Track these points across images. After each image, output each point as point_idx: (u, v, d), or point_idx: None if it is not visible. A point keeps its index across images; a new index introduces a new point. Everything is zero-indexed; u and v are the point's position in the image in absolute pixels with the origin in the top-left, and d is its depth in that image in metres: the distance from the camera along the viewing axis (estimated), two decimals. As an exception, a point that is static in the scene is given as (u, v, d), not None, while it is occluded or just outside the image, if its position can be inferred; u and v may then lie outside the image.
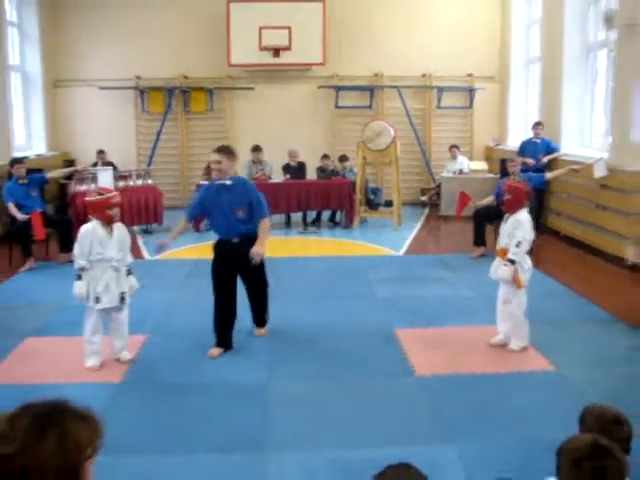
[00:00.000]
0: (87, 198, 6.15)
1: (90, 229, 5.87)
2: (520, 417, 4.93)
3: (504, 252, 6.19)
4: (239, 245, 6.20)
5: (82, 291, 5.83)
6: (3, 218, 11.11)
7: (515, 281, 6.12)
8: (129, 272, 6.05)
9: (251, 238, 6.19)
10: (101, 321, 6.00)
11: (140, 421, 4.91)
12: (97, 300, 5.84)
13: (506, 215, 6.37)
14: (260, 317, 6.81)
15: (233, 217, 6.17)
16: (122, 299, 5.96)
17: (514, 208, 6.25)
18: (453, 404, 5.18)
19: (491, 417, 4.94)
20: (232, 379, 5.68)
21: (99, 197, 5.95)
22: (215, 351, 6.26)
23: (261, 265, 6.43)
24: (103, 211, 5.87)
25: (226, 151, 6.20)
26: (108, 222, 5.89)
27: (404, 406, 5.15)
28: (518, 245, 6.10)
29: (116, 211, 5.89)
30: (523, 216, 6.22)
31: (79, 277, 5.85)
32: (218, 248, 6.37)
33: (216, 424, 4.86)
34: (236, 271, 6.39)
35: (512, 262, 6.09)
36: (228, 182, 6.17)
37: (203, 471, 4.27)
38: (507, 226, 6.25)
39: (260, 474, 4.22)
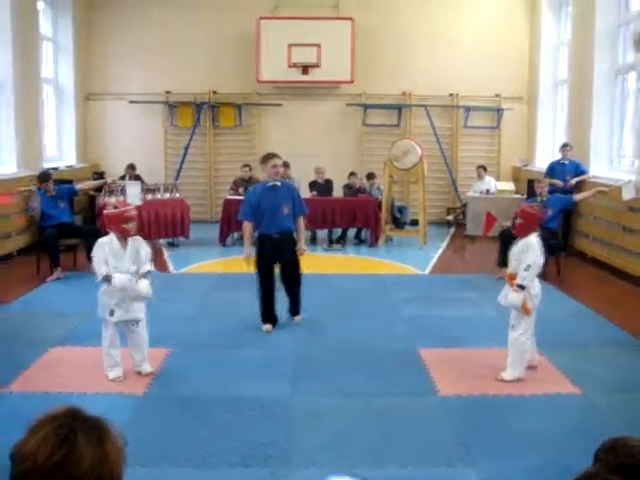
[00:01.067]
0: (105, 211, 6.21)
1: (106, 242, 5.92)
2: (543, 440, 4.88)
3: (512, 277, 6.07)
4: (279, 240, 7.39)
5: (126, 281, 5.80)
6: (32, 228, 11.26)
7: (523, 307, 6.03)
8: (145, 276, 5.97)
9: (289, 234, 7.49)
10: (118, 334, 6.01)
11: (162, 433, 4.93)
12: (111, 313, 5.86)
13: (517, 239, 6.33)
14: (296, 305, 7.78)
15: (280, 214, 7.31)
16: (135, 313, 5.97)
17: (525, 232, 6.16)
18: (476, 425, 5.15)
19: (513, 440, 4.90)
20: (255, 393, 5.69)
21: (115, 210, 6.00)
22: (268, 327, 7.44)
23: (297, 260, 7.63)
24: (119, 225, 5.91)
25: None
26: (124, 235, 5.93)
27: (426, 426, 5.13)
28: (527, 269, 5.97)
29: (132, 225, 5.92)
30: (532, 240, 6.09)
31: (108, 279, 5.79)
32: (261, 242, 7.48)
33: (238, 438, 4.86)
34: (275, 262, 7.50)
35: (522, 287, 5.96)
36: (278, 183, 7.39)
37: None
38: (516, 249, 6.14)
39: (280, 489, 4.22)
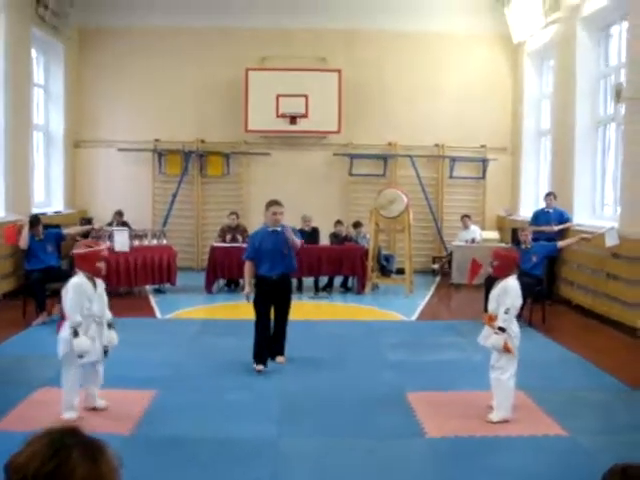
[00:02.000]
0: (76, 250, 6.11)
1: (79, 283, 5.84)
2: (530, 480, 4.89)
3: (491, 318, 6.16)
4: (277, 282, 7.68)
5: (86, 346, 5.76)
6: (18, 272, 11.24)
7: (505, 348, 6.06)
8: (110, 326, 6.07)
9: (285, 276, 7.82)
10: (80, 375, 5.97)
11: (149, 473, 4.87)
12: (82, 355, 5.79)
13: (497, 281, 6.39)
14: (282, 346, 7.93)
15: (278, 255, 7.63)
16: (105, 352, 6.00)
17: (502, 273, 6.28)
18: (464, 466, 5.14)
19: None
20: (242, 434, 5.66)
21: (90, 249, 5.99)
22: (260, 367, 7.54)
23: (290, 302, 7.95)
24: (93, 264, 5.89)
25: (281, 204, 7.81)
26: (96, 275, 5.93)
27: (413, 467, 5.12)
28: (507, 312, 6.07)
29: (103, 264, 5.93)
30: (510, 282, 6.20)
31: (76, 333, 5.71)
32: (260, 283, 7.74)
33: (225, 478, 4.83)
34: (272, 303, 7.78)
35: (502, 330, 6.03)
36: (279, 228, 7.68)
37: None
38: (495, 291, 6.24)
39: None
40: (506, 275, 6.24)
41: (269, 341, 7.78)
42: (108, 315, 6.10)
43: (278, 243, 7.66)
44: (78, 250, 6.09)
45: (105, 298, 6.10)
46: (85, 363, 5.89)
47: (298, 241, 7.85)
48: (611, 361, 8.11)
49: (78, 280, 5.89)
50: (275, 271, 7.67)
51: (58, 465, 1.74)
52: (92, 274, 5.93)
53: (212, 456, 5.20)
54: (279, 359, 7.86)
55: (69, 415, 5.84)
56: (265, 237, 7.72)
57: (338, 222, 13.55)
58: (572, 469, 5.00)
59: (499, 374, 6.10)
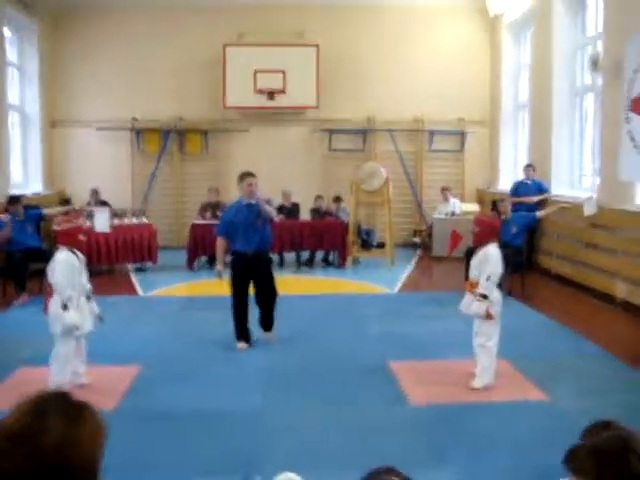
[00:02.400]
0: (57, 227, 6.16)
1: (66, 258, 5.90)
2: (512, 444, 4.97)
3: (472, 285, 6.22)
4: (254, 257, 7.43)
5: (77, 319, 5.82)
6: (-2, 254, 11.16)
7: (487, 315, 6.12)
8: (88, 298, 6.08)
9: (263, 251, 7.58)
10: (72, 350, 6.01)
11: (133, 446, 4.89)
12: (77, 328, 5.86)
13: (477, 250, 6.43)
14: (270, 320, 7.76)
15: (256, 230, 7.40)
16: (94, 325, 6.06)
17: (483, 241, 6.32)
18: (448, 432, 5.21)
19: (484, 443, 4.97)
20: (226, 407, 5.70)
21: (71, 225, 6.05)
22: (242, 344, 7.45)
23: (272, 276, 7.69)
24: (75, 237, 6.01)
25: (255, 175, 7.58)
26: (79, 248, 6.00)
27: (399, 433, 5.18)
28: (488, 279, 6.13)
29: (83, 239, 6.05)
30: (492, 250, 6.24)
31: (65, 307, 5.78)
32: (235, 259, 7.53)
33: (210, 450, 4.87)
34: (249, 279, 7.51)
35: (484, 297, 6.10)
36: (253, 201, 7.43)
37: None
38: (475, 259, 6.29)
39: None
40: (487, 243, 6.28)
41: (260, 317, 7.72)
42: (89, 287, 6.13)
43: (252, 216, 7.44)
44: (58, 227, 6.10)
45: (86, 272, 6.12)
46: (80, 336, 5.95)
47: (273, 211, 7.78)
48: (590, 328, 8.22)
49: (64, 256, 5.93)
50: (250, 246, 7.43)
51: (33, 423, 1.76)
52: (75, 247, 5.98)
53: (198, 429, 5.23)
54: (269, 335, 7.75)
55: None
56: (239, 211, 7.50)
57: (319, 197, 13.56)
58: (553, 432, 5.08)
59: (484, 341, 6.17)
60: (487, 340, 6.16)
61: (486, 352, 6.17)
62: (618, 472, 2.12)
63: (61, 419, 1.78)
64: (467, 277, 10.03)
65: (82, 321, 5.89)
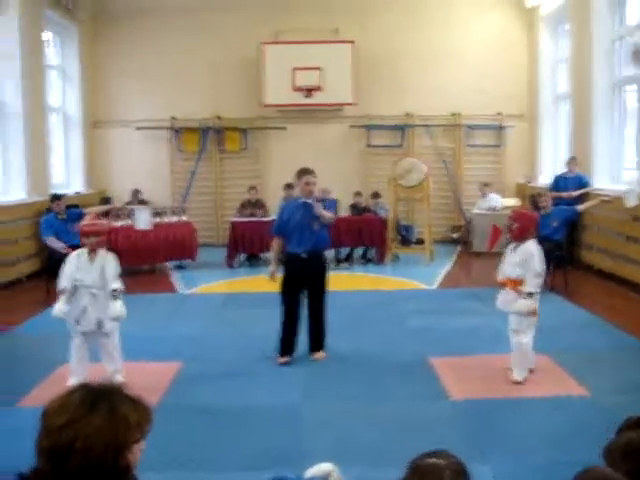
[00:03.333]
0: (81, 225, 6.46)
1: (76, 255, 6.13)
2: (553, 440, 4.92)
3: (516, 283, 6.11)
4: (308, 261, 6.88)
5: (57, 311, 6.02)
6: (41, 253, 11.37)
7: (533, 312, 6.08)
8: (116, 297, 6.02)
9: (318, 255, 6.99)
10: (85, 348, 6.16)
11: (175, 440, 4.96)
12: (77, 323, 6.06)
13: (511, 244, 6.34)
14: (318, 339, 7.09)
15: (308, 232, 6.88)
16: (99, 325, 6.07)
17: (523, 235, 6.22)
18: (487, 426, 5.19)
19: (525, 439, 4.94)
20: (265, 402, 5.75)
21: (94, 224, 6.25)
22: (284, 359, 6.85)
23: (325, 285, 7.05)
24: (81, 239, 6.18)
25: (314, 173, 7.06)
26: (90, 249, 6.09)
27: (438, 428, 5.16)
28: (537, 277, 6.08)
29: (93, 240, 6.05)
30: (534, 247, 6.17)
31: (59, 293, 6.07)
32: (288, 262, 7.02)
33: (249, 444, 4.91)
34: (302, 284, 6.95)
35: (530, 294, 6.03)
36: (310, 200, 6.91)
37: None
38: (516, 256, 6.17)
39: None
40: (526, 238, 6.21)
41: (308, 332, 7.08)
42: (113, 286, 6.02)
43: (308, 216, 6.88)
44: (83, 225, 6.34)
45: (110, 271, 6.09)
46: (82, 333, 6.08)
47: (328, 214, 7.07)
48: (632, 323, 8.10)
49: (76, 252, 6.19)
50: (304, 247, 6.87)
51: (98, 420, 1.82)
52: (87, 248, 6.12)
53: (237, 424, 5.29)
54: (317, 355, 7.03)
55: (71, 381, 5.92)
56: (295, 210, 6.98)
57: (357, 193, 13.58)
58: (593, 427, 5.01)
59: (522, 337, 6.12)
60: (526, 336, 6.13)
61: (525, 347, 6.15)
62: (632, 467, 2.17)
63: (109, 409, 1.88)
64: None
65: (76, 316, 6.04)
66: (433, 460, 2.11)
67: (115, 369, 6.16)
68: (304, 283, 6.97)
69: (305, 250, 6.88)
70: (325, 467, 2.59)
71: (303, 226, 6.89)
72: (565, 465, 4.43)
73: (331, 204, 8.01)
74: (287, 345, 6.92)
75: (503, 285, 6.27)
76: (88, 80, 14.89)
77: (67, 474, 1.82)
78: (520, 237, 6.24)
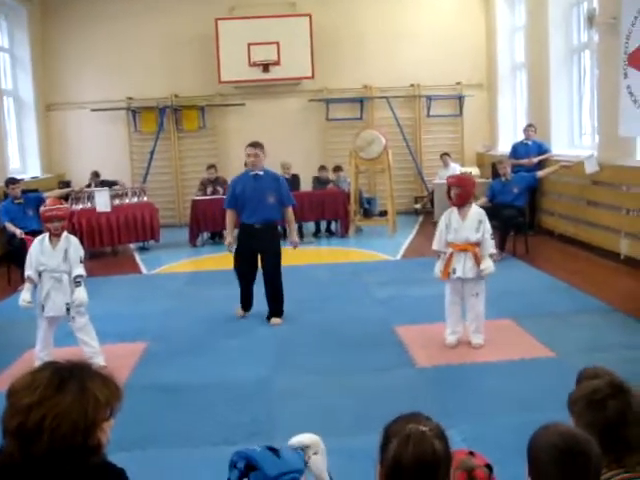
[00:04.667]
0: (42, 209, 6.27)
1: (39, 240, 6.06)
2: (520, 401, 4.98)
3: (475, 246, 6.13)
4: (260, 230, 7.20)
5: (22, 302, 6.02)
6: (0, 239, 11.15)
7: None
8: (78, 284, 5.97)
9: (271, 225, 7.32)
10: (51, 334, 6.09)
11: (144, 419, 4.92)
12: (42, 308, 5.97)
13: (449, 210, 6.30)
14: (276, 305, 7.38)
15: (262, 203, 7.15)
16: (67, 310, 5.99)
17: (467, 200, 6.23)
18: (455, 391, 5.24)
19: (492, 402, 5.00)
20: (234, 377, 5.73)
21: (42, 209, 6.13)
22: (240, 311, 7.47)
23: (278, 253, 7.36)
24: (44, 223, 6.10)
25: (260, 146, 7.33)
26: (50, 233, 6.02)
27: (406, 395, 5.19)
28: (493, 237, 6.22)
29: (56, 224, 5.97)
30: (480, 209, 6.29)
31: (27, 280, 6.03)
32: (242, 231, 7.37)
33: (220, 419, 4.90)
34: (256, 253, 7.29)
35: (491, 255, 6.18)
36: (260, 172, 7.21)
37: (207, 462, 4.28)
38: (469, 220, 6.17)
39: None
40: (470, 202, 6.26)
41: (266, 299, 7.42)
42: (76, 272, 5.97)
43: (262, 188, 7.21)
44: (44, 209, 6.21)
45: (73, 255, 6.01)
46: (45, 316, 5.99)
47: (294, 239, 7.73)
48: (595, 285, 8.23)
49: (39, 237, 6.13)
50: (257, 218, 7.20)
51: (68, 399, 1.80)
52: (49, 232, 6.05)
53: (207, 400, 5.27)
54: (273, 320, 7.32)
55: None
56: (246, 182, 7.30)
57: (322, 167, 13.55)
58: (561, 387, 5.00)
59: (480, 299, 6.22)
60: (481, 298, 6.22)
61: (481, 310, 6.23)
62: (597, 416, 2.26)
63: (79, 388, 1.85)
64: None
65: (41, 301, 5.97)
66: (417, 427, 2.08)
67: (92, 351, 6.07)
68: (257, 249, 7.28)
69: (258, 220, 7.20)
70: (309, 438, 2.55)
71: (254, 198, 7.16)
72: (535, 425, 4.46)
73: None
74: (244, 300, 7.49)
75: (464, 250, 6.18)
76: (40, 62, 14.57)
77: (35, 455, 1.77)
78: (464, 201, 6.23)
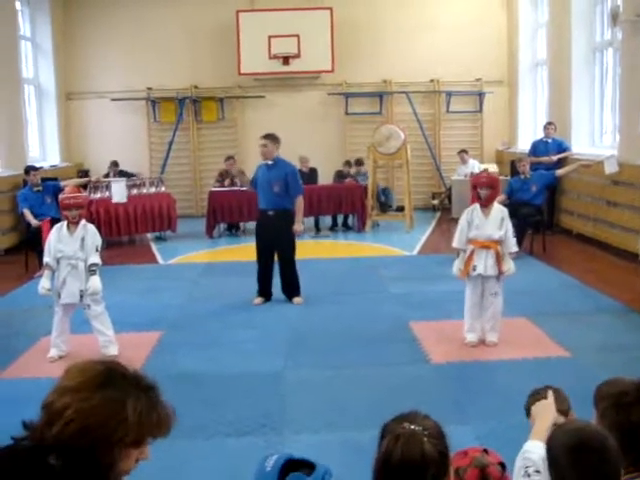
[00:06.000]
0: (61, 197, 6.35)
1: (58, 227, 6.14)
2: (535, 399, 4.95)
3: (496, 244, 6.09)
4: (273, 217, 7.61)
5: (41, 289, 6.05)
6: (19, 226, 11.25)
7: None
8: (93, 272, 6.01)
9: (283, 213, 7.66)
10: (67, 321, 6.15)
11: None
12: (58, 295, 6.02)
13: (471, 208, 6.26)
14: (293, 287, 7.79)
15: (271, 191, 7.56)
16: (81, 297, 6.03)
17: (494, 199, 6.25)
18: (468, 388, 5.23)
19: (505, 400, 4.94)
20: (248, 369, 5.74)
21: (74, 196, 6.16)
22: (258, 300, 7.74)
23: (291, 241, 7.75)
24: (62, 211, 6.16)
25: (271, 137, 7.76)
26: (69, 222, 6.07)
27: (419, 391, 5.18)
28: (514, 236, 6.21)
29: (74, 213, 6.03)
30: (502, 206, 6.35)
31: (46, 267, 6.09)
32: (259, 217, 7.87)
33: (232, 410, 4.91)
34: (271, 239, 7.66)
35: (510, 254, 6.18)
36: (270, 162, 7.60)
37: (219, 453, 4.32)
38: (492, 218, 6.13)
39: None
40: (494, 201, 6.28)
41: (271, 275, 7.84)
42: (91, 260, 6.01)
43: (270, 177, 7.62)
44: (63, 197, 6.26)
45: (89, 243, 6.05)
46: (61, 303, 6.04)
47: (299, 227, 7.85)
48: (612, 285, 8.16)
49: (57, 225, 6.20)
50: (266, 204, 7.69)
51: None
52: (67, 220, 6.10)
53: (221, 391, 5.28)
54: (295, 300, 7.79)
55: (51, 353, 6.05)
56: (260, 171, 7.77)
57: (346, 162, 13.52)
58: (575, 386, 4.99)
59: (499, 298, 6.18)
60: (500, 296, 6.20)
61: (499, 309, 6.21)
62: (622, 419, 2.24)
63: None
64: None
65: (57, 289, 6.02)
66: (409, 426, 2.06)
67: (106, 340, 6.12)
68: (271, 236, 7.66)
69: (267, 207, 7.68)
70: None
71: (264, 185, 7.65)
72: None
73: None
74: (260, 288, 7.77)
75: (486, 247, 6.14)
76: (61, 51, 14.64)
77: (50, 437, 1.69)
78: (492, 201, 6.23)
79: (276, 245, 7.73)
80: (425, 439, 1.99)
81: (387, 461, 1.97)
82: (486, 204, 6.19)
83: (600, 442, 2.02)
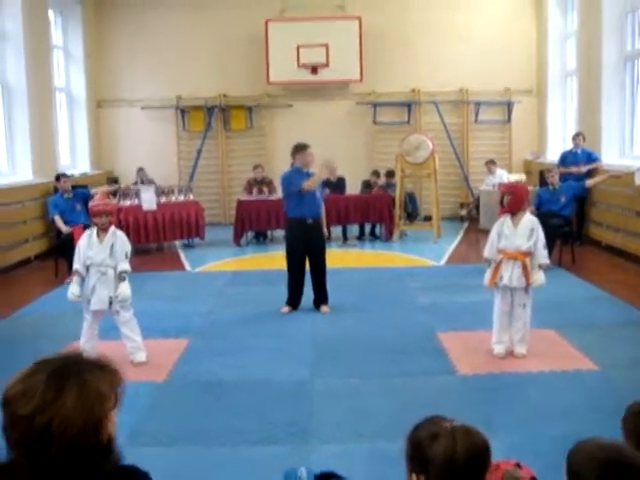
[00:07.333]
0: (91, 204, 6.53)
1: (88, 234, 6.21)
2: (561, 413, 4.91)
3: (525, 255, 6.06)
4: (312, 226, 7.75)
5: (70, 295, 6.12)
6: (49, 233, 11.40)
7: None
8: (123, 279, 6.09)
9: (319, 221, 7.89)
10: (96, 327, 6.20)
11: (184, 416, 4.98)
12: (88, 302, 6.08)
13: (502, 219, 6.22)
14: (324, 295, 7.91)
15: (314, 199, 7.76)
16: (109, 303, 6.09)
17: (519, 208, 6.16)
18: (495, 401, 5.18)
19: (533, 413, 4.93)
20: (276, 377, 5.75)
21: (103, 203, 6.31)
22: (285, 308, 7.82)
23: (325, 247, 8.02)
24: (93, 219, 6.22)
25: (293, 148, 8.00)
26: (99, 228, 6.14)
27: (446, 402, 5.15)
28: (545, 247, 6.13)
29: (104, 220, 6.10)
30: (534, 217, 6.25)
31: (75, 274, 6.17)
32: (295, 225, 7.83)
33: (259, 418, 4.92)
34: (306, 247, 7.79)
35: (541, 266, 6.10)
36: (311, 171, 7.83)
37: (246, 461, 4.32)
38: (522, 228, 6.11)
39: (302, 463, 4.24)
40: (523, 209, 6.20)
41: (303, 285, 7.92)
42: (121, 267, 6.09)
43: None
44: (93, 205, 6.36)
45: (119, 250, 6.13)
46: (91, 310, 6.09)
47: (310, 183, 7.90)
48: (641, 298, 8.07)
49: (87, 232, 6.27)
50: (310, 214, 7.75)
51: (70, 401, 1.71)
52: (97, 225, 6.18)
53: (248, 399, 5.29)
54: (323, 309, 7.86)
55: None
56: (304, 179, 7.70)
57: (374, 172, 13.52)
58: (604, 400, 5.02)
59: (527, 310, 6.15)
60: (529, 308, 6.16)
61: (527, 320, 6.16)
62: None
63: (79, 385, 1.74)
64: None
65: (87, 295, 6.07)
66: (452, 423, 2.04)
67: (134, 346, 6.19)
68: (307, 244, 7.78)
69: (311, 216, 7.77)
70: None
71: (311, 195, 7.74)
72: (577, 438, 4.45)
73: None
74: (291, 297, 7.85)
75: (513, 258, 6.13)
76: (92, 59, 14.83)
77: (45, 461, 1.68)
78: (517, 209, 6.17)
79: (313, 254, 7.85)
80: (472, 429, 1.99)
81: (452, 460, 1.94)
82: (509, 210, 6.18)
83: (630, 459, 2.00)
